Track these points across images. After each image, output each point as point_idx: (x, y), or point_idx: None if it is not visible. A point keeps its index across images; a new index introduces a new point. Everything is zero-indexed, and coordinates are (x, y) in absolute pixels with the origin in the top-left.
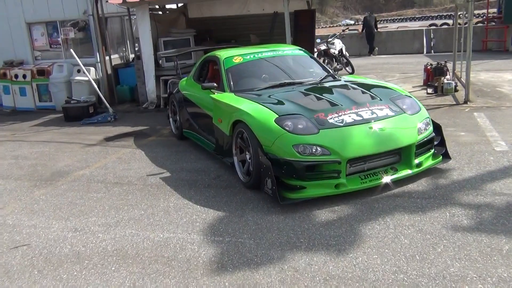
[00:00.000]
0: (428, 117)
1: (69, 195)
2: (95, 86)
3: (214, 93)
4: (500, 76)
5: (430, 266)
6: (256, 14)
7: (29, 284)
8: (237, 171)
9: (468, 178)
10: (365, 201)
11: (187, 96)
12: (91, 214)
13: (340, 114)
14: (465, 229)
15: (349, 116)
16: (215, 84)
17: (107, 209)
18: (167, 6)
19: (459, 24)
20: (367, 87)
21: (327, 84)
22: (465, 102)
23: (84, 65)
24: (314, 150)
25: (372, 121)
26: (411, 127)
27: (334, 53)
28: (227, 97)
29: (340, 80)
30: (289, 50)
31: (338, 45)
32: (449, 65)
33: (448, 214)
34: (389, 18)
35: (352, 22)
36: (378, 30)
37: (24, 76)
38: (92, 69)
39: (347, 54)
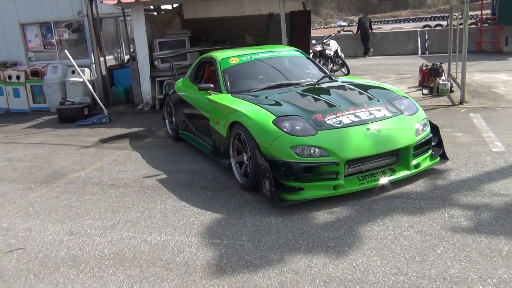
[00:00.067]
0: (426, 118)
1: (65, 197)
2: (90, 87)
3: (211, 94)
4: (494, 77)
5: (430, 268)
6: (252, 15)
7: None
8: (234, 173)
9: (466, 179)
10: (363, 203)
11: (183, 97)
12: (87, 216)
13: (338, 115)
14: (464, 230)
15: (347, 117)
16: (211, 85)
17: (103, 211)
18: (162, 7)
19: (454, 25)
20: (364, 88)
21: (324, 85)
22: (461, 103)
23: (79, 66)
24: (312, 152)
25: (370, 122)
26: (409, 128)
27: (329, 54)
28: (224, 98)
29: (337, 81)
30: (285, 51)
31: (333, 46)
32: (444, 66)
33: (447, 215)
34: (383, 19)
35: (345, 23)
36: (373, 31)
37: (18, 77)
38: (87, 70)
39: (343, 55)
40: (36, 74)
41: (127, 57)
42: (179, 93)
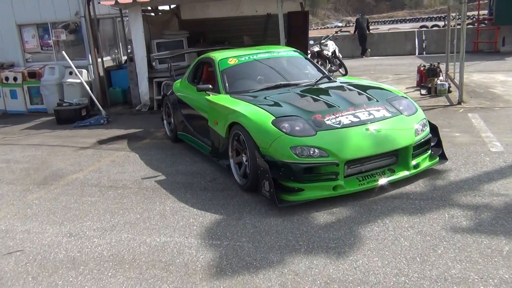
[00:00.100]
0: (425, 118)
1: (63, 199)
2: (88, 88)
3: (209, 95)
4: (492, 77)
5: (431, 268)
6: (249, 16)
7: None
8: (233, 174)
9: (465, 179)
10: (363, 203)
11: (182, 98)
12: (86, 218)
13: (337, 115)
14: (465, 231)
15: (346, 118)
16: (210, 86)
17: (102, 213)
18: (160, 8)
19: (451, 25)
20: (363, 88)
21: (323, 86)
22: (459, 103)
23: (76, 67)
24: (312, 152)
25: (369, 122)
26: (408, 128)
27: (327, 54)
28: (223, 99)
29: (335, 81)
30: (284, 52)
31: (331, 47)
32: (442, 66)
33: (447, 215)
34: (380, 20)
35: (341, 24)
36: (370, 31)
37: (15, 79)
38: (84, 71)
39: (340, 56)
40: (34, 75)
41: (124, 58)
42: (178, 94)
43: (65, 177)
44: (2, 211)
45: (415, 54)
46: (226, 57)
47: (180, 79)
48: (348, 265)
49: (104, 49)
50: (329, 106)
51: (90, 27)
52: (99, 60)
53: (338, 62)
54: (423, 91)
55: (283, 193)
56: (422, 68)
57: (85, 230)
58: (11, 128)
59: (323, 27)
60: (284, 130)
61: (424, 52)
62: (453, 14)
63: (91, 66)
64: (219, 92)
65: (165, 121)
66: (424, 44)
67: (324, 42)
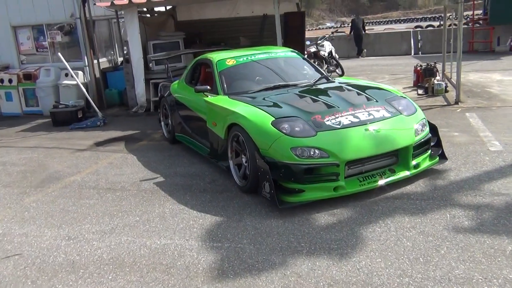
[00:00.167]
0: (424, 118)
1: (61, 202)
2: (84, 90)
3: (208, 96)
4: (488, 77)
5: (434, 269)
6: (246, 17)
7: None
8: (232, 175)
9: (466, 179)
10: (364, 204)
11: (179, 99)
12: (85, 221)
13: (337, 116)
14: (467, 230)
15: (346, 118)
16: (208, 87)
17: (100, 215)
18: (156, 9)
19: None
20: (362, 88)
21: (321, 86)
22: (456, 102)
23: (72, 69)
24: (312, 153)
25: (369, 122)
26: (408, 128)
27: (324, 55)
28: (222, 100)
29: (334, 81)
30: (282, 52)
31: (327, 47)
32: (438, 66)
33: (448, 215)
34: (375, 21)
35: (335, 25)
36: (366, 32)
37: (10, 81)
38: (80, 73)
39: (337, 56)
40: (29, 77)
41: (120, 59)
42: (175, 95)
43: (63, 179)
44: None
45: (410, 54)
46: (224, 58)
47: (177, 80)
48: (351, 267)
49: (100, 51)
50: (329, 106)
51: (85, 29)
52: (95, 61)
53: (335, 62)
54: (420, 91)
55: (284, 195)
56: (418, 68)
57: (84, 233)
58: (6, 130)
59: (317, 28)
60: (284, 131)
61: (420, 52)
62: (449, 14)
63: (87, 67)
64: (217, 93)
65: (162, 123)
66: (419, 44)
67: (320, 43)
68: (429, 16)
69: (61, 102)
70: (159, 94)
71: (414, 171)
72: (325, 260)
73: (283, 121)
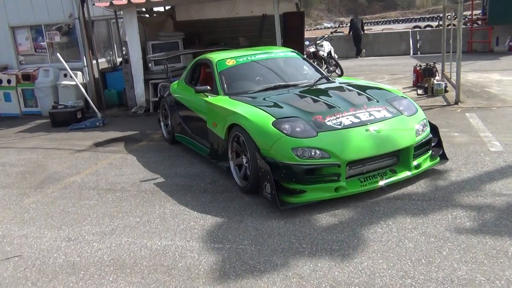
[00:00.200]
0: (425, 118)
1: (61, 203)
2: (83, 90)
3: (208, 96)
4: (488, 77)
5: (437, 270)
6: (245, 17)
7: None
8: (233, 176)
9: (467, 179)
10: (365, 204)
11: (179, 100)
12: (85, 222)
13: (338, 116)
14: (469, 231)
15: (347, 118)
16: (208, 87)
17: (101, 216)
18: (155, 9)
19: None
20: (363, 88)
21: (322, 86)
22: (456, 103)
23: (71, 70)
24: (313, 153)
25: (370, 123)
26: (409, 128)
27: (323, 55)
28: (222, 100)
29: (334, 82)
30: (281, 52)
31: (327, 47)
32: (438, 66)
33: (450, 216)
34: (373, 21)
35: (332, 25)
36: (365, 32)
37: (9, 81)
38: (79, 73)
39: (336, 56)
40: (28, 77)
41: (119, 59)
42: (175, 96)
43: (62, 180)
44: None
45: (409, 54)
46: (224, 58)
47: (177, 81)
48: (353, 268)
49: (99, 51)
50: (330, 107)
51: (84, 29)
52: (94, 62)
53: (334, 62)
54: (420, 91)
55: (285, 195)
56: (418, 68)
57: (84, 234)
58: (5, 131)
59: (315, 28)
60: (285, 132)
61: (419, 52)
62: (448, 14)
63: (86, 68)
64: (217, 94)
65: (162, 123)
66: (418, 44)
67: (319, 43)
68: (427, 16)
69: (60, 103)
70: (158, 95)
71: (415, 171)
72: (327, 261)
73: (284, 122)
